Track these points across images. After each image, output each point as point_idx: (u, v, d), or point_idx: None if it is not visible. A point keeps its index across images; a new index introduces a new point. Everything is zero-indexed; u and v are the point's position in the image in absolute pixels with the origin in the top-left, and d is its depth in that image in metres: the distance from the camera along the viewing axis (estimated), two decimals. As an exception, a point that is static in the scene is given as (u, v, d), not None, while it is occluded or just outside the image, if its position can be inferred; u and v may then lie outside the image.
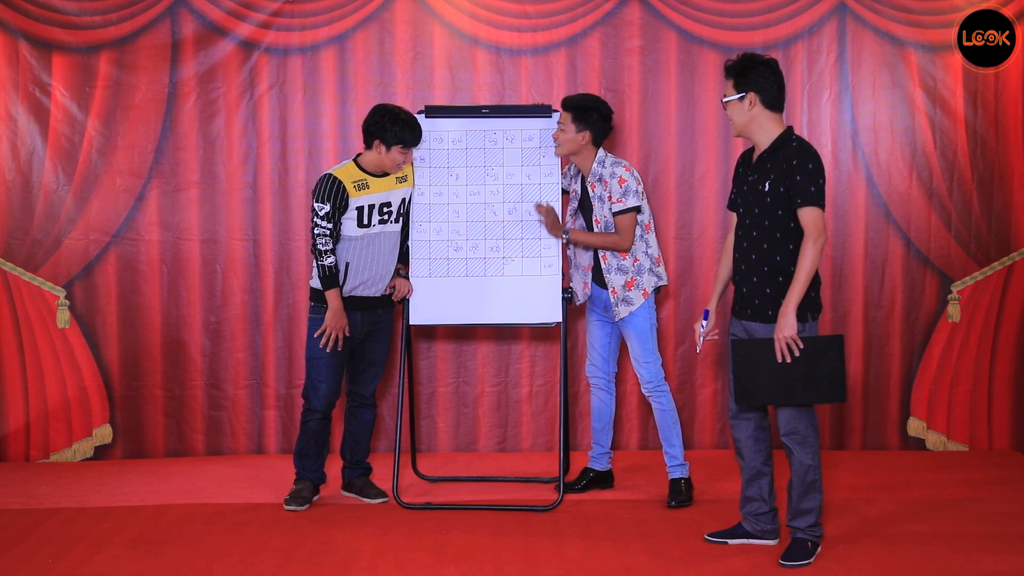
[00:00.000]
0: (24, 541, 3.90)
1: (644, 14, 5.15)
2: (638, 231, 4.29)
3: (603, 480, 4.59)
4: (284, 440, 5.24)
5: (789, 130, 3.62)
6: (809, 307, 3.54)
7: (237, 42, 5.12)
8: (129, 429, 5.23)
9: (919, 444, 5.28)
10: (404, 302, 4.46)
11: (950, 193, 5.18)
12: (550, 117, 4.55)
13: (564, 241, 4.40)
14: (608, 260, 4.33)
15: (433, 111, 4.61)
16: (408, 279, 4.46)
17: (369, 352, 4.42)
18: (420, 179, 4.52)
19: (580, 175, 4.44)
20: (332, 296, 4.22)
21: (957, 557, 3.63)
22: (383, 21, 5.15)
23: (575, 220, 4.51)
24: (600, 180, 4.29)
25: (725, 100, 3.65)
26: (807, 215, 3.47)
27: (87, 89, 5.08)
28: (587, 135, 4.28)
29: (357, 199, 4.22)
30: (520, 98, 5.12)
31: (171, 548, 3.80)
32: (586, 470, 4.60)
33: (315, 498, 4.40)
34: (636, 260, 4.31)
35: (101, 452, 5.22)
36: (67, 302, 5.16)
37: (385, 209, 4.31)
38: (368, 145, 4.28)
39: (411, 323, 4.49)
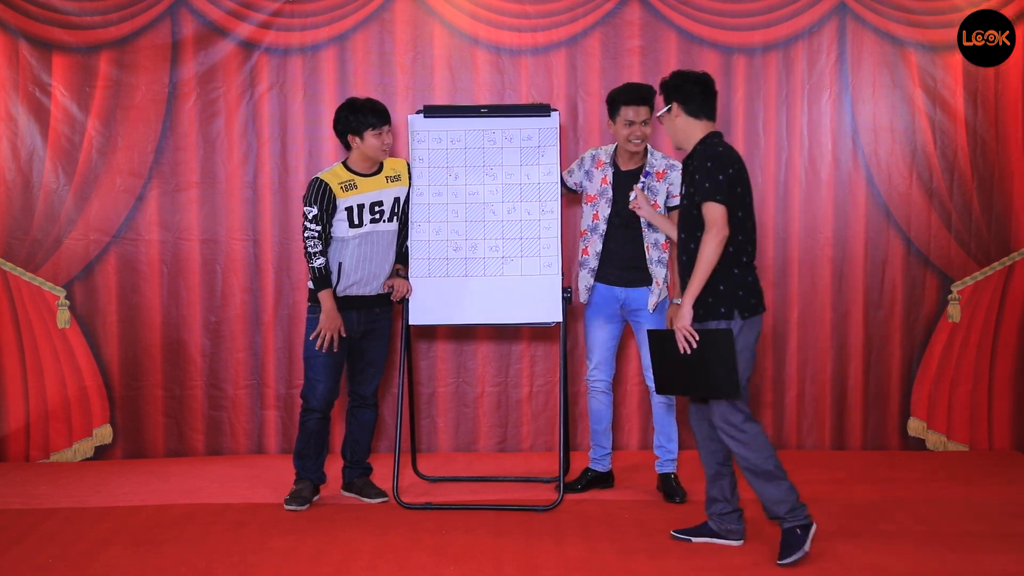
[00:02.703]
0: (24, 541, 3.90)
1: (644, 14, 5.15)
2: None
3: (603, 480, 4.59)
4: (284, 440, 5.24)
5: (709, 134, 3.66)
6: (737, 305, 3.54)
7: (237, 42, 5.12)
8: (129, 429, 5.23)
9: (919, 444, 5.29)
10: (404, 302, 4.46)
11: (950, 193, 5.18)
12: (549, 116, 4.55)
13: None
14: (651, 252, 4.32)
15: (432, 111, 4.61)
16: (407, 279, 4.46)
17: (367, 352, 4.42)
18: (419, 179, 4.52)
19: (613, 166, 4.38)
20: (324, 297, 4.23)
21: (957, 557, 3.63)
22: (383, 21, 5.15)
23: (606, 208, 4.37)
24: (652, 172, 4.32)
25: (657, 116, 3.84)
26: (705, 211, 3.53)
27: (87, 89, 5.08)
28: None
29: (345, 200, 4.23)
30: (520, 98, 5.12)
31: (171, 548, 3.80)
32: (586, 470, 4.60)
33: (315, 498, 4.41)
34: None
35: (101, 452, 5.22)
36: (67, 302, 5.16)
37: (376, 208, 4.31)
38: (346, 146, 4.32)
39: (411, 323, 4.49)
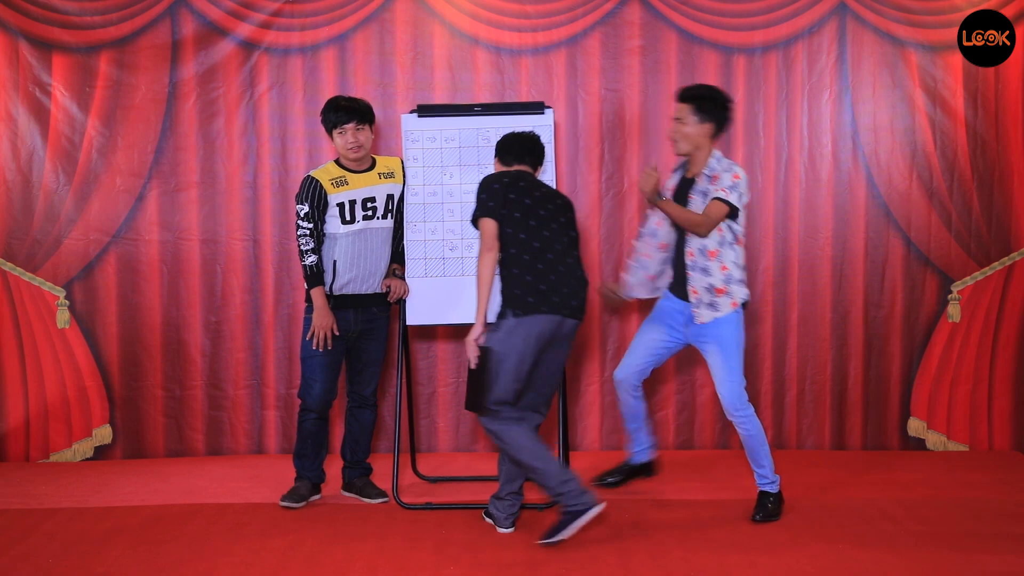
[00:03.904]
0: (24, 541, 3.90)
1: (644, 14, 5.16)
2: (729, 237, 3.93)
3: (644, 470, 4.41)
4: (284, 440, 5.24)
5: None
6: (511, 303, 3.76)
7: (237, 42, 5.12)
8: (129, 429, 5.23)
9: (919, 444, 5.29)
10: (401, 302, 4.46)
11: (950, 193, 5.18)
12: (543, 114, 4.55)
13: (656, 201, 3.95)
14: (695, 257, 3.96)
15: (425, 110, 4.61)
16: (404, 279, 4.46)
17: (365, 352, 4.42)
18: (414, 179, 4.52)
19: (682, 170, 4.12)
20: (316, 295, 4.25)
21: (957, 557, 3.63)
22: (383, 21, 5.15)
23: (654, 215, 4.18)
24: (711, 175, 3.92)
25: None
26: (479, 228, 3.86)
27: (87, 89, 5.08)
28: (710, 127, 3.97)
29: (336, 195, 4.24)
30: (520, 98, 5.12)
31: (171, 548, 3.80)
32: (625, 464, 4.41)
33: (315, 497, 4.41)
34: (725, 268, 3.93)
35: (101, 452, 5.22)
36: (67, 302, 5.16)
37: (369, 204, 4.31)
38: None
39: (408, 323, 4.49)
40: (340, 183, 4.27)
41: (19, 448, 5.21)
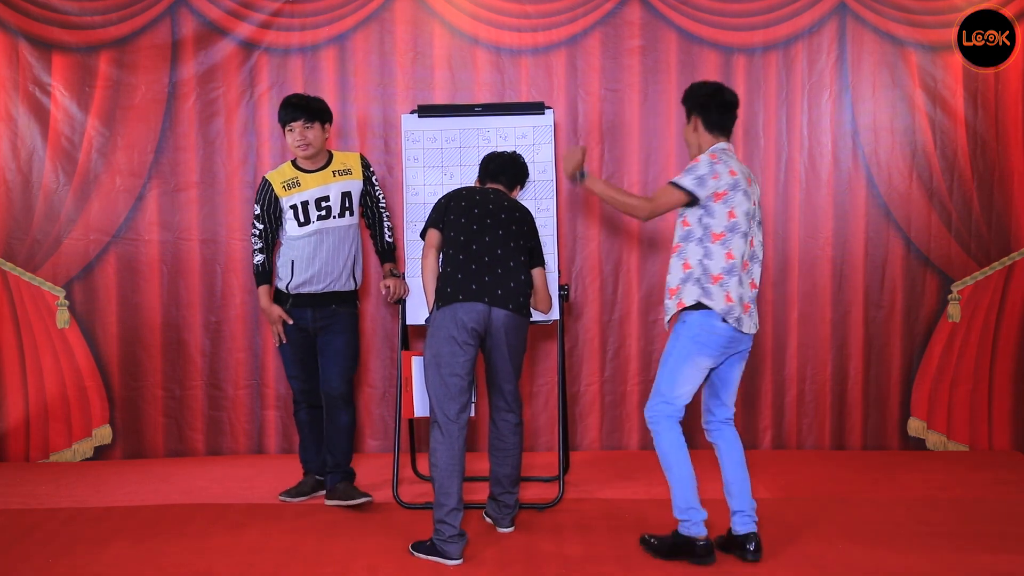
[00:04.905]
0: (24, 541, 3.90)
1: (644, 14, 5.16)
2: (699, 232, 3.49)
3: (732, 545, 3.64)
4: (284, 440, 5.24)
5: None
6: (437, 296, 3.83)
7: (237, 42, 5.12)
8: (129, 429, 5.23)
9: (919, 444, 5.29)
10: (401, 302, 4.45)
11: (950, 193, 5.18)
12: (543, 114, 4.56)
13: (579, 182, 3.66)
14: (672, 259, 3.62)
15: (426, 110, 4.61)
16: (403, 278, 4.45)
17: (329, 346, 4.32)
18: (414, 179, 4.53)
19: None
20: (260, 293, 4.33)
21: (957, 557, 3.63)
22: (383, 21, 5.16)
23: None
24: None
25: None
26: None
27: (87, 89, 5.09)
28: (696, 121, 3.65)
29: (288, 198, 4.24)
30: (520, 98, 5.12)
31: (171, 548, 3.80)
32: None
33: (322, 492, 4.44)
34: (687, 266, 3.52)
35: (101, 452, 5.22)
36: (67, 302, 5.16)
37: (323, 204, 4.27)
38: None
39: (408, 323, 4.48)
40: (291, 185, 4.26)
41: (19, 448, 5.21)
